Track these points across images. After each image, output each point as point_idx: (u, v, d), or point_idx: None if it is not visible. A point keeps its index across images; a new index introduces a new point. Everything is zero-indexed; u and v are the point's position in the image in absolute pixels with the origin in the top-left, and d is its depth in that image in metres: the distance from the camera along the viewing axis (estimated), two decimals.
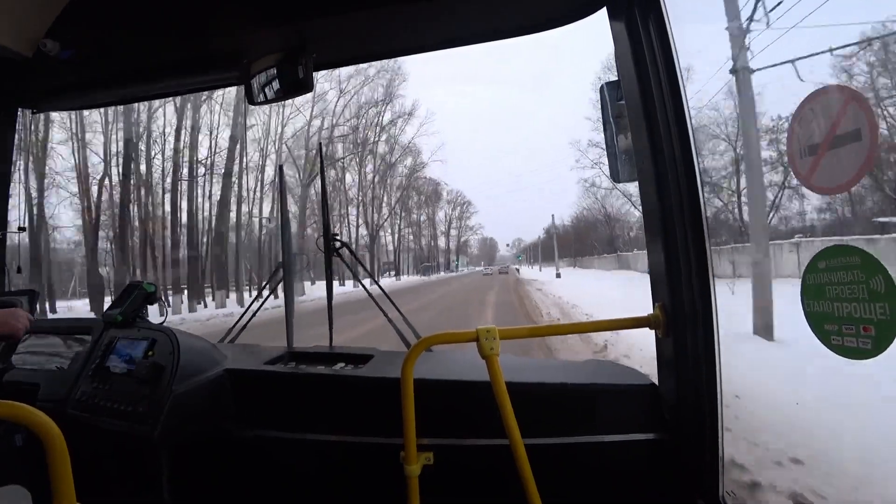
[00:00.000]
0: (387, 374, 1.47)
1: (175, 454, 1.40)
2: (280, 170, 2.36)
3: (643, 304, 1.41)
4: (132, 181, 17.41)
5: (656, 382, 1.35)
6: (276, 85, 1.58)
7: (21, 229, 1.87)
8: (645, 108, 1.23)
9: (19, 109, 1.87)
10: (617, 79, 1.37)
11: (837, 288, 0.90)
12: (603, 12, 1.36)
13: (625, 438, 1.31)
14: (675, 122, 1.19)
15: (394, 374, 1.27)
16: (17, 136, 1.85)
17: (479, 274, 46.27)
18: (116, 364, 1.52)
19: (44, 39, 1.52)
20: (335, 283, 2.16)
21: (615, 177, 1.45)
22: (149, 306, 1.72)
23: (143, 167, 17.91)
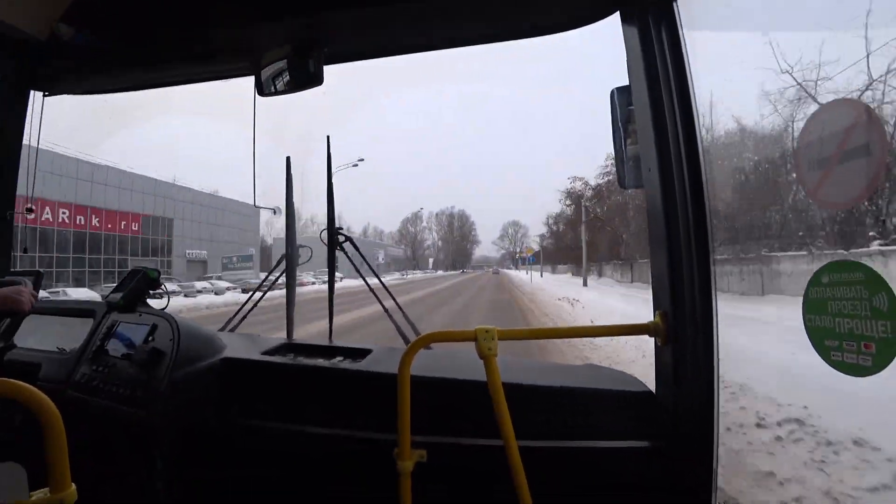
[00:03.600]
0: (384, 370, 1.48)
1: (170, 440, 1.41)
2: (287, 161, 2.34)
3: None
4: None
5: (653, 390, 1.35)
6: (286, 77, 1.58)
7: (29, 210, 1.88)
8: (654, 114, 1.23)
9: (31, 92, 1.88)
10: (627, 84, 1.37)
11: (840, 303, 0.89)
12: (615, 17, 1.35)
13: (619, 445, 1.31)
14: (684, 129, 1.18)
15: (391, 370, 1.27)
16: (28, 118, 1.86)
17: None
18: (117, 348, 1.53)
19: (59, 23, 1.53)
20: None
21: (621, 182, 1.45)
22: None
23: None
